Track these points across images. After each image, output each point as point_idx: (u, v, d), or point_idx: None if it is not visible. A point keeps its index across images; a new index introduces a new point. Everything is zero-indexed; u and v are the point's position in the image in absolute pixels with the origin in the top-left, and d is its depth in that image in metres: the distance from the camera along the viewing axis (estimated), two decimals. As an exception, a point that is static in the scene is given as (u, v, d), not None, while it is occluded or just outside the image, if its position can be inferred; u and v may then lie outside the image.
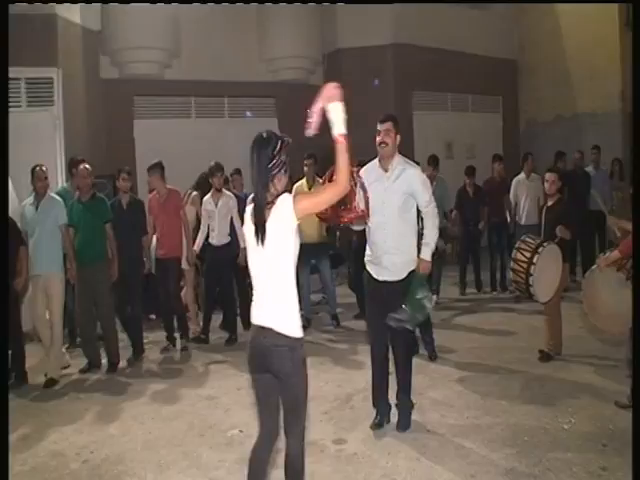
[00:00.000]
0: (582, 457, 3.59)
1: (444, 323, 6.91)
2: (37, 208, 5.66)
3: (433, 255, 4.15)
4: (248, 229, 2.71)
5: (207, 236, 6.66)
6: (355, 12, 10.99)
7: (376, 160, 4.18)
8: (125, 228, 5.96)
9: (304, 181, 6.86)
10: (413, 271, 4.07)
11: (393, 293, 4.01)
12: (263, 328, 2.65)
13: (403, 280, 4.03)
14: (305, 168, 6.85)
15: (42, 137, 7.91)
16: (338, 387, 5.03)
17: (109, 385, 5.51)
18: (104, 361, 5.97)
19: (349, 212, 3.39)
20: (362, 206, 3.60)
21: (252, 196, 2.79)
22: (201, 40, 10.31)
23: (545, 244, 5.14)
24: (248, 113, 9.69)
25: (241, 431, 4.29)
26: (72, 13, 8.43)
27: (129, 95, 10.23)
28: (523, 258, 5.14)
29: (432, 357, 5.60)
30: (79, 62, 8.72)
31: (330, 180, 2.91)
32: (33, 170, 5.75)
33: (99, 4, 9.25)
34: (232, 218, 6.57)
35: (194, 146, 10.02)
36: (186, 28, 10.14)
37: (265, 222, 2.60)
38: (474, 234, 8.33)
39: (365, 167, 4.17)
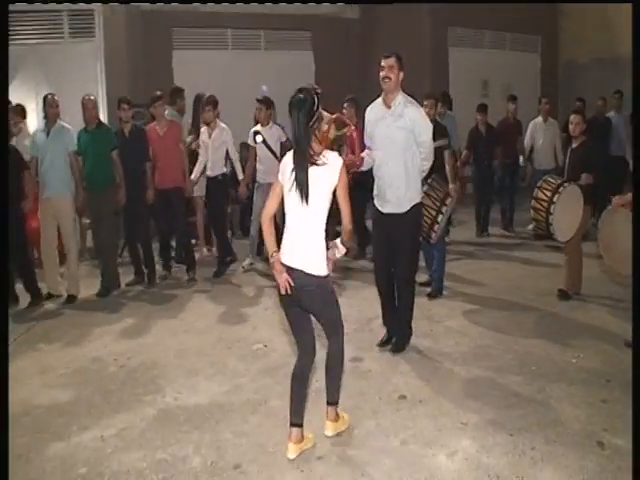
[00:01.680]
0: (585, 389, 3.74)
1: (462, 261, 7.05)
2: (48, 135, 5.86)
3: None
4: (287, 178, 2.95)
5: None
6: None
7: (380, 98, 4.28)
8: (128, 155, 6.10)
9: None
10: (416, 204, 4.26)
11: (396, 224, 4.21)
12: (294, 270, 2.93)
13: (406, 213, 4.21)
14: (344, 110, 6.73)
15: (84, 67, 8.17)
16: (359, 312, 5.29)
17: (145, 301, 5.92)
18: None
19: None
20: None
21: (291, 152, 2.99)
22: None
23: (566, 184, 5.17)
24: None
25: (265, 346, 4.62)
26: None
27: (167, 27, 10.32)
28: (544, 197, 5.18)
29: (433, 294, 5.68)
30: (118, -6, 8.82)
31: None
32: (45, 98, 5.93)
33: None
34: (227, 150, 6.61)
35: (230, 77, 10.13)
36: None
37: (308, 179, 2.88)
38: (486, 173, 8.18)
39: (370, 105, 4.32)
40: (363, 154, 4.28)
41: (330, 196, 2.96)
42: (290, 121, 2.95)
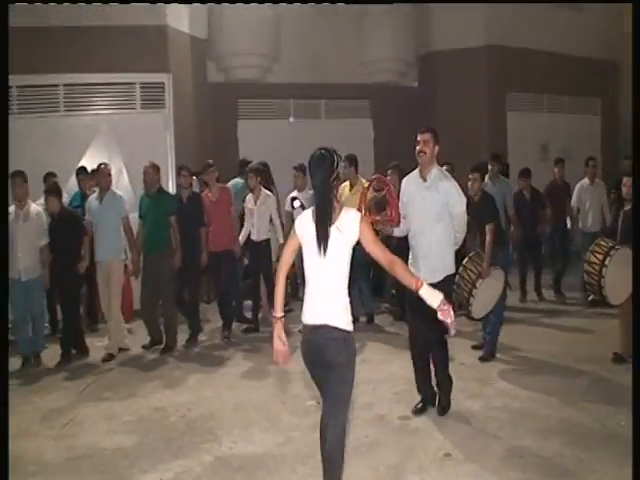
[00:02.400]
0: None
1: (510, 326, 6.99)
2: (101, 202, 6.35)
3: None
4: (307, 236, 2.92)
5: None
6: (448, 14, 11.15)
7: (417, 170, 4.50)
8: (186, 220, 6.49)
9: (347, 183, 7.08)
10: (449, 276, 4.40)
11: None
12: (318, 327, 2.90)
13: (438, 283, 4.12)
14: (343, 170, 6.98)
15: (154, 136, 8.80)
16: (409, 372, 5.38)
17: (204, 358, 6.22)
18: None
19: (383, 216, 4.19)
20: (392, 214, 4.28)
21: (312, 209, 2.98)
22: (300, 44, 10.86)
23: (618, 247, 5.22)
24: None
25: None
26: (181, 23, 9.28)
27: (234, 98, 11.02)
28: (595, 260, 5.25)
29: (485, 358, 5.69)
30: (188, 68, 9.56)
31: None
32: (98, 167, 6.46)
33: (205, 15, 10.11)
34: (271, 215, 6.92)
35: (292, 145, 10.65)
36: (286, 33, 10.72)
37: (329, 235, 2.85)
38: (532, 238, 8.07)
39: (407, 177, 4.60)
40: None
41: (350, 251, 2.91)
42: (310, 179, 3.04)
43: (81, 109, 8.64)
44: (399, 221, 4.40)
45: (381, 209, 4.51)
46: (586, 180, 8.11)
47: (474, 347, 5.98)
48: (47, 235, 6.13)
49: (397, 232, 4.51)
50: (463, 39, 11.14)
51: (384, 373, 5.41)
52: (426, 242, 4.35)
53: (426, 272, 4.25)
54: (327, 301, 2.91)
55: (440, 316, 2.84)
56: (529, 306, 8.01)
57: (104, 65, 8.40)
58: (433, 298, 2.85)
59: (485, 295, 5.31)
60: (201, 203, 6.74)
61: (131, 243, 6.48)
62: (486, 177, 7.49)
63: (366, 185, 4.76)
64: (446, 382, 4.56)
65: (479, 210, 5.74)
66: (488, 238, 5.52)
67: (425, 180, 4.39)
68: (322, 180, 2.92)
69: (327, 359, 2.89)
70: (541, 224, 8.11)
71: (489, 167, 7.71)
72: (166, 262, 6.38)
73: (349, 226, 2.87)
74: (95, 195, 6.48)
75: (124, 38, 8.40)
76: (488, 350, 5.75)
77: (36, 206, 6.24)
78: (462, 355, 5.81)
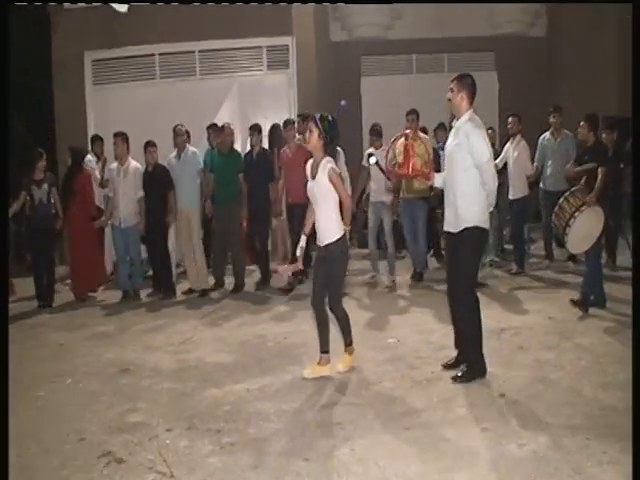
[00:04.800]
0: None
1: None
2: (179, 158, 7.13)
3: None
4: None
5: None
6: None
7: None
8: (255, 176, 7.16)
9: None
10: (469, 228, 4.18)
11: (451, 244, 4.38)
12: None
13: (458, 233, 4.23)
14: (407, 123, 7.08)
15: (279, 95, 9.53)
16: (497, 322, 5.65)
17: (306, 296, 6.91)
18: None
19: (401, 169, 4.44)
20: (417, 166, 4.41)
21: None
22: (421, -1, 10.92)
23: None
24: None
25: (398, 340, 5.28)
26: (305, -14, 9.75)
27: (356, 55, 11.42)
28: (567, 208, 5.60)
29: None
30: (311, 29, 10.03)
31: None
32: (174, 128, 7.15)
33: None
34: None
35: (416, 100, 10.79)
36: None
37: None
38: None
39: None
40: (437, 175, 4.55)
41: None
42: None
43: (214, 72, 9.55)
44: (415, 174, 4.53)
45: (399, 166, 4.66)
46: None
47: (572, 301, 5.98)
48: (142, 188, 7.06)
49: (438, 182, 4.52)
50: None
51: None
52: (450, 191, 4.30)
53: (449, 222, 4.31)
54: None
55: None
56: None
57: (233, 31, 9.20)
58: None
59: (583, 228, 5.44)
60: (269, 159, 7.38)
61: (207, 194, 7.30)
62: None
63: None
64: (471, 348, 4.34)
65: (590, 155, 5.96)
66: (600, 177, 5.68)
67: (454, 128, 4.37)
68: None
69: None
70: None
71: (551, 120, 7.60)
72: (234, 215, 7.17)
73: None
74: (173, 154, 7.26)
75: (250, 6, 9.08)
76: (582, 302, 5.79)
77: (135, 163, 7.14)
78: (553, 309, 5.94)
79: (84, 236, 7.18)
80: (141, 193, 7.06)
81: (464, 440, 3.50)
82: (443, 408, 3.94)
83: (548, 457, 3.29)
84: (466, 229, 4.20)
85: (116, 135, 7.06)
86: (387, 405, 3.99)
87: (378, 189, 7.15)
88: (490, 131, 7.89)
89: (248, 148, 7.69)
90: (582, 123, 6.09)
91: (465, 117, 4.23)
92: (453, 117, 4.64)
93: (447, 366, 4.48)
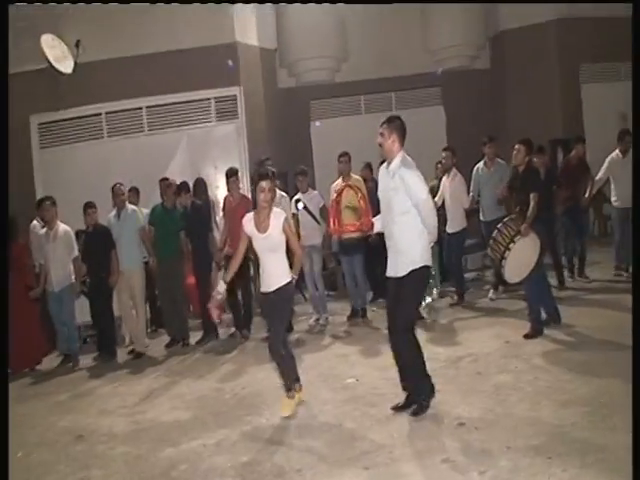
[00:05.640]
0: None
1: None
2: (119, 218, 7.13)
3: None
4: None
5: None
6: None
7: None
8: (193, 229, 7.21)
9: (339, 180, 7.26)
10: (414, 270, 4.14)
11: (395, 288, 4.25)
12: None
13: (403, 277, 4.17)
14: (340, 165, 7.33)
15: (229, 145, 9.57)
16: (454, 352, 5.68)
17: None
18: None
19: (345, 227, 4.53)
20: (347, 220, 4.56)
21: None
22: (367, 41, 11.22)
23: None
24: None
25: (357, 380, 5.20)
26: (250, 38, 9.98)
27: (305, 100, 11.60)
28: (502, 241, 5.64)
29: (530, 335, 5.74)
30: (259, 78, 10.24)
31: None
32: (113, 187, 7.18)
33: (273, 26, 10.73)
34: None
35: (365, 141, 10.99)
36: (352, 32, 11.17)
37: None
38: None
39: (381, 167, 4.50)
40: (374, 219, 4.43)
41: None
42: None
43: (163, 127, 9.59)
44: (371, 226, 4.41)
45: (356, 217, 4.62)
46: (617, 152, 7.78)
47: (526, 336, 5.81)
48: (76, 248, 6.98)
49: (377, 227, 4.45)
50: (532, 16, 10.93)
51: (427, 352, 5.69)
52: (390, 236, 4.26)
53: (390, 266, 4.26)
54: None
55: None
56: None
57: (181, 85, 9.29)
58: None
59: (519, 258, 5.45)
60: (205, 210, 7.36)
61: (149, 249, 7.26)
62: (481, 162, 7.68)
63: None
64: (415, 379, 4.33)
65: (523, 180, 5.93)
66: (532, 204, 5.68)
67: (389, 172, 4.28)
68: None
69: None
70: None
71: (485, 150, 7.65)
72: (176, 269, 7.25)
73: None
74: (113, 213, 7.23)
75: (198, 58, 9.22)
76: (532, 328, 5.80)
77: (64, 226, 7.04)
78: (510, 333, 5.98)
79: (22, 308, 6.91)
80: (75, 253, 6.97)
81: (425, 473, 3.45)
82: (403, 443, 3.88)
83: (509, 482, 3.25)
84: (412, 271, 4.16)
85: (42, 200, 7.02)
86: (347, 446, 3.91)
87: (307, 235, 7.18)
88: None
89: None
90: (517, 146, 6.01)
91: (397, 160, 4.21)
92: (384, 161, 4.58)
93: (397, 408, 4.36)
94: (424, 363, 4.33)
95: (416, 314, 4.62)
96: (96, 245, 6.95)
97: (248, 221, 4.55)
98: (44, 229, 7.08)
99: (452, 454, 3.64)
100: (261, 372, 5.74)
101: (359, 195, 4.44)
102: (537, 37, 11.00)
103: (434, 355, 5.55)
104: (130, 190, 7.83)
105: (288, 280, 4.50)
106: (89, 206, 7.02)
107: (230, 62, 9.32)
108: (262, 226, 4.46)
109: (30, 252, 7.46)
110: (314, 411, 4.60)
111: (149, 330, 8.11)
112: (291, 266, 4.60)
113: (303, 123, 11.51)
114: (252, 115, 9.81)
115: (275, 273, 4.49)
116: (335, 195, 4.74)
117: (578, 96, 10.97)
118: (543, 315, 5.94)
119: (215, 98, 9.61)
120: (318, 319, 7.48)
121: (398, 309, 4.24)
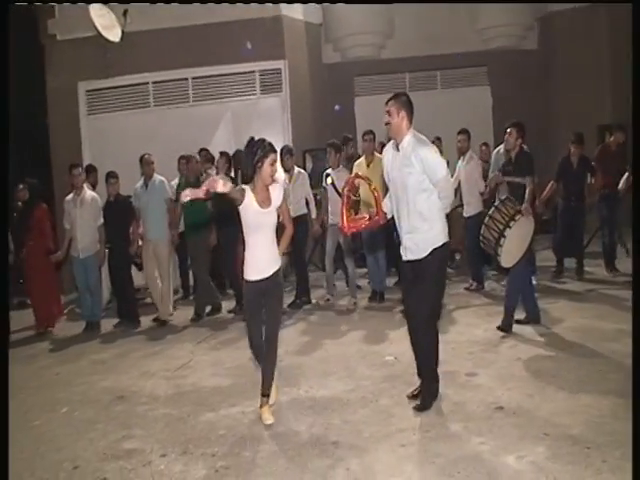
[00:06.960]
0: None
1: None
2: (147, 187, 7.11)
3: None
4: None
5: None
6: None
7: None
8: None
9: (363, 159, 7.16)
10: (437, 248, 4.00)
11: (417, 272, 4.06)
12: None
13: (425, 258, 4.02)
14: (364, 144, 7.18)
15: (273, 119, 9.60)
16: (493, 333, 5.64)
17: (310, 316, 6.93)
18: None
19: (357, 222, 4.14)
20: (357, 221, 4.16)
21: None
22: (412, 17, 11.04)
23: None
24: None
25: (395, 358, 5.22)
26: (295, 12, 9.90)
27: (350, 76, 11.49)
28: (501, 219, 5.39)
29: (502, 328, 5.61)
30: (304, 52, 10.20)
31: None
32: (142, 157, 7.15)
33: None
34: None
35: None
36: (398, 8, 10.94)
37: None
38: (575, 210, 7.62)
39: (386, 147, 4.30)
40: (383, 203, 4.18)
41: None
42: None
43: (208, 98, 9.65)
44: (384, 217, 4.16)
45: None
46: None
47: (517, 322, 5.72)
48: (101, 216, 7.04)
49: (388, 213, 4.21)
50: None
51: (465, 335, 5.73)
52: (407, 217, 4.04)
53: (412, 249, 4.06)
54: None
55: None
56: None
57: (226, 57, 9.31)
58: None
59: (517, 238, 5.30)
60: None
61: (175, 222, 7.26)
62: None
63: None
64: (428, 374, 4.21)
65: (516, 164, 5.77)
66: (528, 189, 5.56)
67: (398, 150, 4.06)
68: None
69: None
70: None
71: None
72: (202, 240, 7.22)
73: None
74: (140, 183, 7.22)
75: (243, 31, 9.22)
76: (503, 321, 5.63)
77: (91, 192, 7.14)
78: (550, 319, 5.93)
79: (40, 271, 7.10)
80: (101, 220, 7.05)
81: (461, 455, 3.46)
82: (440, 424, 3.89)
83: (547, 468, 3.25)
84: (435, 249, 4.02)
85: (72, 166, 7.08)
86: (384, 422, 3.96)
87: (334, 211, 6.78)
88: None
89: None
90: (509, 130, 5.70)
91: (409, 138, 3.99)
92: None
93: (413, 396, 4.28)
94: (437, 362, 4.22)
95: (441, 303, 4.39)
96: (117, 216, 7.02)
97: (251, 195, 3.98)
98: (70, 195, 7.16)
99: (489, 437, 3.64)
100: (299, 345, 5.81)
101: (372, 186, 4.11)
102: (587, 19, 10.67)
103: (473, 337, 5.59)
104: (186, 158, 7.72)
105: (280, 263, 4.19)
106: (111, 176, 7.08)
107: (249, 44, 9.24)
108: (266, 201, 4.02)
109: (51, 216, 7.55)
110: (352, 386, 4.64)
111: (180, 298, 8.24)
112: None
113: (347, 99, 11.41)
114: (296, 89, 9.78)
115: (269, 258, 4.09)
116: (347, 188, 4.21)
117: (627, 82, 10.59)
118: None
119: (260, 71, 9.61)
120: (328, 299, 7.45)
121: (421, 293, 4.05)
